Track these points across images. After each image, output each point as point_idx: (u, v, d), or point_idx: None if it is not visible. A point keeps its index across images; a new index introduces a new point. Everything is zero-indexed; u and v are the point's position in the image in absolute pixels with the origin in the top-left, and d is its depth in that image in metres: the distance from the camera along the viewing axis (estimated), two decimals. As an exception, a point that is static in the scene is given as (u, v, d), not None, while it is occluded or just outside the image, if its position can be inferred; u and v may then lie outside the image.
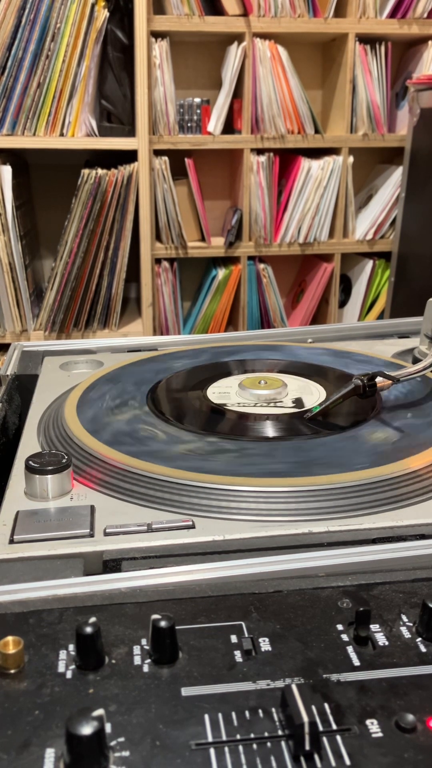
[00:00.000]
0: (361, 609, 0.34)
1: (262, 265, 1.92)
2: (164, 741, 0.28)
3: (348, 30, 1.76)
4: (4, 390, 0.68)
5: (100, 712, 0.27)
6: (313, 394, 0.65)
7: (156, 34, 1.71)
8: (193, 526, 0.44)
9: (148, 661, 0.33)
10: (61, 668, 0.32)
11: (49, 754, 0.28)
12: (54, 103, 1.64)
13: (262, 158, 1.80)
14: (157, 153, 1.76)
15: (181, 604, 0.37)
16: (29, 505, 0.47)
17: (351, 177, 1.87)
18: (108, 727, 0.29)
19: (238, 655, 0.33)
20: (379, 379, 0.60)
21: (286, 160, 1.89)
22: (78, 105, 1.65)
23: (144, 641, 0.34)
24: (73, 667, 0.32)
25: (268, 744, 0.28)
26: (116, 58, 1.69)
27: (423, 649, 0.34)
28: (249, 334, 0.91)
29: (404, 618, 0.36)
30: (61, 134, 1.67)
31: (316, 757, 0.28)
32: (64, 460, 0.49)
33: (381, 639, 0.34)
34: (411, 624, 0.35)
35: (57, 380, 0.72)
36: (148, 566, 0.41)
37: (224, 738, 0.29)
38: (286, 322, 2.02)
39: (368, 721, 0.29)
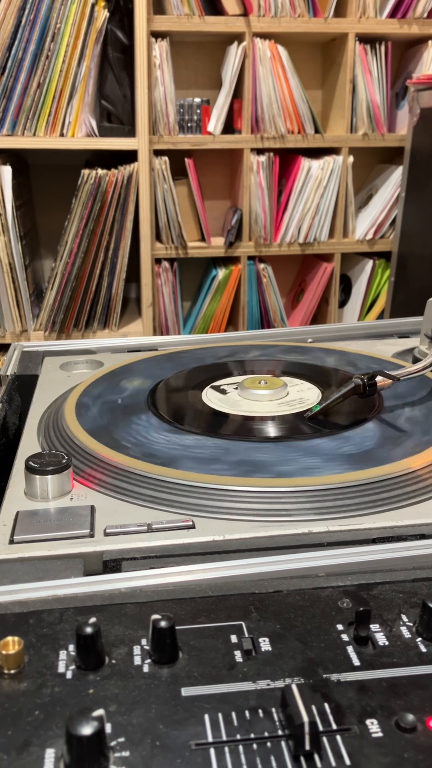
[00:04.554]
0: (361, 609, 0.34)
1: (262, 265, 1.92)
2: (164, 741, 0.28)
3: (348, 30, 1.76)
4: (4, 390, 0.68)
5: (100, 712, 0.27)
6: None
7: (156, 34, 1.71)
8: (193, 526, 0.44)
9: (148, 661, 0.33)
10: (61, 668, 0.32)
11: (49, 754, 0.28)
12: (54, 103, 1.64)
13: (262, 158, 1.80)
14: (157, 153, 1.76)
15: (181, 604, 0.37)
16: (29, 505, 0.47)
17: (351, 177, 1.87)
18: (108, 727, 0.29)
19: (238, 655, 0.33)
20: (379, 379, 0.60)
21: (286, 160, 1.89)
22: (78, 105, 1.65)
23: (144, 641, 0.34)
24: (73, 667, 0.32)
25: (268, 744, 0.28)
26: (116, 58, 1.69)
27: (423, 649, 0.34)
28: (249, 334, 0.91)
29: (404, 618, 0.36)
30: (61, 134, 1.67)
31: (316, 757, 0.28)
32: (64, 461, 0.49)
33: (381, 639, 0.34)
34: (411, 624, 0.35)
35: (57, 380, 0.72)
36: (148, 566, 0.41)
37: (224, 738, 0.29)
38: (286, 322, 2.02)
39: (368, 721, 0.29)
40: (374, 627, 0.35)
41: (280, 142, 1.81)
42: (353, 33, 1.76)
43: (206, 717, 0.30)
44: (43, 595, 0.38)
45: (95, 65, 1.65)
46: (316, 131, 1.83)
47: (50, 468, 0.48)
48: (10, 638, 0.33)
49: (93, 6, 1.60)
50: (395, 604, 0.37)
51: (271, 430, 0.57)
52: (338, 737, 0.29)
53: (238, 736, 0.29)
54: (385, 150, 1.99)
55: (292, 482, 0.47)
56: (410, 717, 0.29)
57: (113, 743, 0.28)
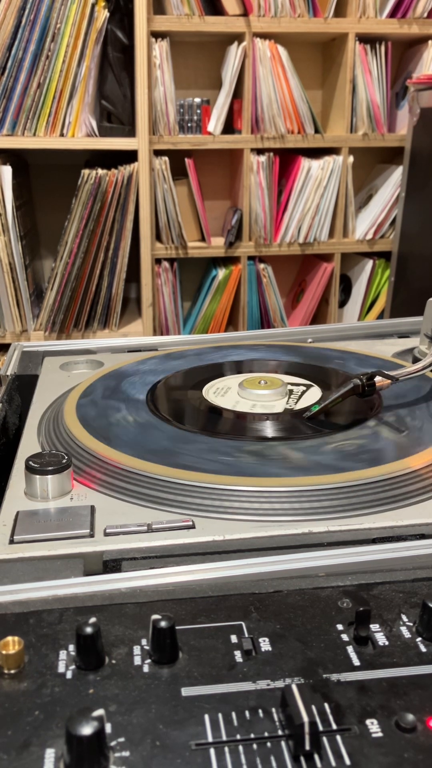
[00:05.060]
0: (361, 609, 0.34)
1: (262, 265, 1.92)
2: (164, 741, 0.28)
3: (348, 30, 1.76)
4: (4, 390, 0.68)
5: (100, 712, 0.27)
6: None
7: (156, 34, 1.71)
8: (193, 526, 0.44)
9: (148, 661, 0.33)
10: (61, 668, 0.32)
11: (49, 754, 0.28)
12: (54, 103, 1.64)
13: (262, 158, 1.80)
14: (157, 153, 1.76)
15: (181, 604, 0.37)
16: (29, 505, 0.47)
17: (351, 177, 1.87)
18: (108, 727, 0.29)
19: (238, 655, 0.33)
20: (378, 379, 0.60)
21: (286, 160, 1.89)
22: (78, 105, 1.65)
23: (144, 641, 0.34)
24: (73, 667, 0.32)
25: (268, 744, 0.28)
26: (116, 58, 1.69)
27: (423, 649, 0.34)
28: (249, 334, 0.91)
29: (404, 618, 0.36)
30: (61, 134, 1.67)
31: (316, 757, 0.28)
32: (64, 460, 0.49)
33: (381, 639, 0.34)
34: (411, 624, 0.35)
35: (57, 380, 0.72)
36: (148, 566, 0.41)
37: (224, 738, 0.29)
38: (286, 322, 2.02)
39: (368, 721, 0.29)
40: (374, 627, 0.35)
41: (280, 142, 1.81)
42: (353, 33, 1.76)
43: (206, 717, 0.30)
44: (43, 595, 0.38)
45: (95, 65, 1.65)
46: (316, 131, 1.83)
47: (50, 468, 0.48)
48: (10, 638, 0.33)
49: (93, 6, 1.60)
50: (395, 604, 0.37)
51: (271, 430, 0.57)
52: (338, 737, 0.29)
53: (238, 736, 0.29)
54: (385, 150, 1.99)
55: (292, 482, 0.47)
56: (410, 717, 0.29)
57: (113, 743, 0.28)
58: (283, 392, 0.64)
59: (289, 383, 0.67)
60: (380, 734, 0.29)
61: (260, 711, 0.30)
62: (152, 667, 0.32)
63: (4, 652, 0.32)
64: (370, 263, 1.97)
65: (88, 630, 0.32)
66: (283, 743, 0.28)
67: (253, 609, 0.36)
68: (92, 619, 0.32)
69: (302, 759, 0.28)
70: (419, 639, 0.34)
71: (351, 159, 1.86)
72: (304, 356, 0.77)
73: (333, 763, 0.28)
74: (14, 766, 0.27)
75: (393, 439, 0.55)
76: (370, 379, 0.60)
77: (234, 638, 0.34)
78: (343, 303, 2.08)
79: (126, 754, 0.28)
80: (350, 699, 0.30)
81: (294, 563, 0.40)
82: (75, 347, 0.85)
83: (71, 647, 0.33)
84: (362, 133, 1.85)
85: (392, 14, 1.77)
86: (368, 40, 1.80)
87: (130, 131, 1.73)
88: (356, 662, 0.33)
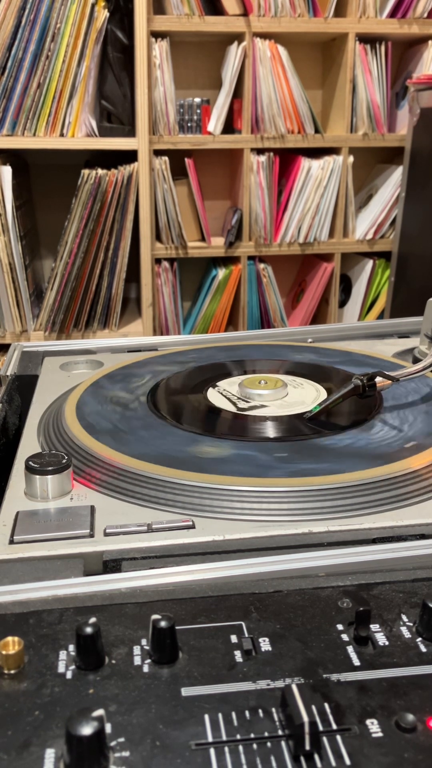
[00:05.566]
0: (361, 609, 0.34)
1: (262, 265, 1.92)
2: (164, 741, 0.28)
3: (348, 30, 1.76)
4: (4, 390, 0.68)
5: (100, 712, 0.27)
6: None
7: (156, 34, 1.71)
8: (193, 526, 0.44)
9: (148, 661, 0.33)
10: (61, 668, 0.32)
11: (49, 754, 0.28)
12: (54, 103, 1.64)
13: (262, 158, 1.80)
14: (157, 153, 1.76)
15: (181, 604, 0.37)
16: (29, 505, 0.47)
17: (351, 177, 1.87)
18: (108, 728, 0.29)
19: (238, 655, 0.33)
20: (378, 379, 0.60)
21: (286, 160, 1.89)
22: (78, 105, 1.65)
23: (144, 641, 0.34)
24: (73, 667, 0.32)
25: (268, 744, 0.28)
26: (116, 58, 1.69)
27: (423, 649, 0.34)
28: (249, 334, 0.91)
29: (404, 618, 0.36)
30: (61, 134, 1.67)
31: (316, 757, 0.28)
32: (64, 461, 0.49)
33: (381, 639, 0.34)
34: (411, 624, 0.35)
35: (57, 380, 0.72)
36: (148, 566, 0.41)
37: (224, 738, 0.29)
38: (286, 322, 2.02)
39: (368, 721, 0.29)
40: (374, 627, 0.35)
41: (280, 142, 1.81)
42: (353, 33, 1.76)
43: (206, 717, 0.30)
44: (43, 595, 0.38)
45: (95, 65, 1.65)
46: (316, 131, 1.83)
47: (50, 468, 0.48)
48: (10, 638, 0.33)
49: (93, 6, 1.60)
50: (395, 604, 0.37)
51: (271, 430, 0.57)
52: (338, 737, 0.29)
53: (238, 736, 0.29)
54: (385, 150, 1.99)
55: (292, 482, 0.47)
56: (410, 717, 0.29)
57: (113, 743, 0.28)
58: (283, 392, 0.64)
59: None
60: (380, 734, 0.29)
61: (260, 711, 0.30)
62: (152, 667, 0.32)
63: (4, 652, 0.32)
64: (370, 263, 1.97)
65: (88, 630, 0.32)
66: (283, 743, 0.28)
67: (253, 609, 0.36)
68: (92, 619, 0.32)
69: (302, 759, 0.28)
70: (419, 639, 0.34)
71: (351, 159, 1.86)
72: (303, 356, 0.77)
73: (333, 763, 0.28)
74: (14, 766, 0.27)
75: (393, 440, 0.55)
76: (370, 379, 0.60)
77: (234, 638, 0.34)
78: (343, 303, 2.08)
79: (126, 754, 0.28)
80: (350, 699, 0.30)
81: (294, 563, 0.40)
82: (75, 347, 0.85)
83: (71, 647, 0.33)
84: (362, 133, 1.85)
85: (392, 14, 1.77)
86: (368, 40, 1.80)
87: (130, 131, 1.73)
88: (356, 662, 0.33)
